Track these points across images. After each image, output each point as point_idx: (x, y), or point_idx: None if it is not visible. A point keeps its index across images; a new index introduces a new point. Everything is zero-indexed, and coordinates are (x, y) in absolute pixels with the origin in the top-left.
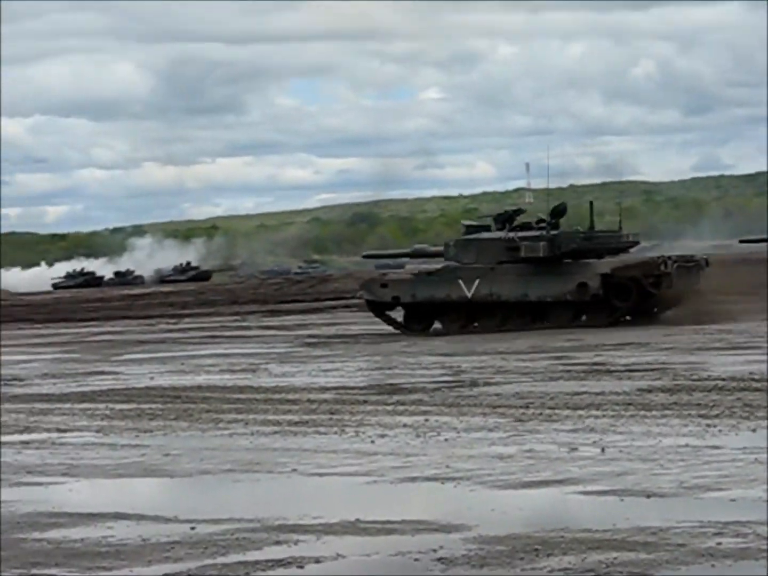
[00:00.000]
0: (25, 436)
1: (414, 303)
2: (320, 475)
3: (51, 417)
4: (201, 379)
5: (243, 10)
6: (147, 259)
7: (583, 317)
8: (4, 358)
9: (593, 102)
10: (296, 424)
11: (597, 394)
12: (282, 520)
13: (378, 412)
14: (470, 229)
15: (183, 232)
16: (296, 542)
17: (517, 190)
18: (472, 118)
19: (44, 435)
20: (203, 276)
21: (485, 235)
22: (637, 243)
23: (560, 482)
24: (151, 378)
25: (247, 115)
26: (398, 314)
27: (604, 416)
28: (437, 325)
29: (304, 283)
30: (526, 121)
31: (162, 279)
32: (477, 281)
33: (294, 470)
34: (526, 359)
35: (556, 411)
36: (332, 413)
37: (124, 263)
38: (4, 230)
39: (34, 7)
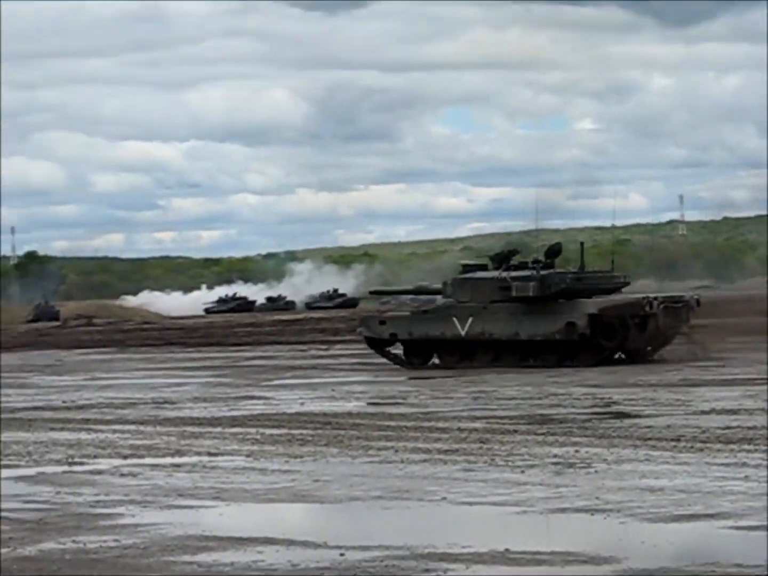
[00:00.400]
0: (176, 459)
1: (411, 340)
2: (470, 504)
3: (202, 440)
4: (351, 405)
5: (399, 38)
6: (305, 284)
7: (572, 360)
8: (156, 381)
9: (748, 134)
10: (446, 452)
11: (749, 428)
12: (431, 548)
13: (528, 442)
14: (467, 268)
15: (335, 258)
16: (445, 571)
17: (669, 222)
18: (626, 149)
19: (195, 458)
20: (350, 303)
21: (480, 274)
22: (627, 283)
23: (711, 516)
24: (302, 404)
25: (401, 142)
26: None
27: (756, 450)
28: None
29: None
30: (681, 152)
31: (309, 306)
32: (470, 319)
33: (443, 498)
34: (678, 392)
35: (708, 445)
36: (482, 442)
37: (282, 288)
38: (157, 254)
39: (192, 33)
